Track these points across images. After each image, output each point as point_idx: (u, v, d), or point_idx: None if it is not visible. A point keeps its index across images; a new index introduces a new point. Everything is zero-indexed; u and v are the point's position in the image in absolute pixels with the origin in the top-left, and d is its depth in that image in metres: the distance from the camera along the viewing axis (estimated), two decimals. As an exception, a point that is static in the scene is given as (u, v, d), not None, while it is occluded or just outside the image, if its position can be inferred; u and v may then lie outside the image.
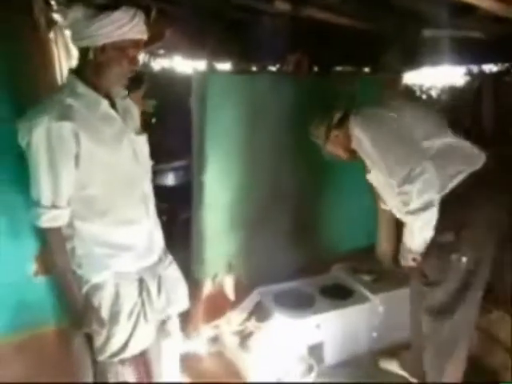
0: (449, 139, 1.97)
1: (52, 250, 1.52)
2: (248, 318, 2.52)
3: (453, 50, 2.61)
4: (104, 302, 1.57)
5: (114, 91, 1.61)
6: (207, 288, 2.64)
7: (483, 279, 1.95)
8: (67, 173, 1.45)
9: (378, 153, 1.91)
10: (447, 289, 1.94)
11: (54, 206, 1.46)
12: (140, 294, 1.63)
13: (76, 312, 1.56)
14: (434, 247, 1.93)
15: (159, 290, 1.70)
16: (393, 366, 2.44)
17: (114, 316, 1.58)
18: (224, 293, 2.69)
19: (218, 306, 2.65)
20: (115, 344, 1.60)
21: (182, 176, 3.86)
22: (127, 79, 1.56)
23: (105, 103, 1.54)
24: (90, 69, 1.51)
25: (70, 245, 1.55)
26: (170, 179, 3.92)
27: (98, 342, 1.61)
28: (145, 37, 1.53)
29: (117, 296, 1.58)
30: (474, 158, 1.95)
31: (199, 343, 2.60)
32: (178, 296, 1.81)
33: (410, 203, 1.82)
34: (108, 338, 1.59)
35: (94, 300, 1.57)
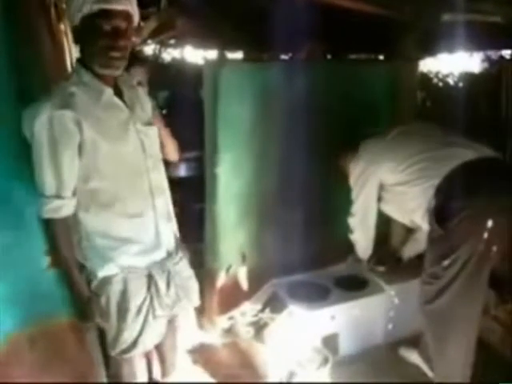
0: (434, 152, 2.11)
1: (56, 240, 1.49)
2: (262, 310, 2.51)
3: (471, 36, 2.54)
4: (112, 297, 1.54)
5: (118, 78, 1.55)
6: (221, 279, 2.64)
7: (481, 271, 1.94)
8: (70, 162, 1.42)
9: (354, 190, 2.45)
10: (443, 281, 1.97)
11: (58, 196, 1.43)
12: (148, 289, 1.59)
13: (80, 304, 1.54)
14: (433, 243, 2.04)
15: (168, 286, 1.65)
16: (410, 355, 2.42)
17: (123, 312, 1.55)
18: (238, 284, 2.68)
19: (232, 298, 2.64)
20: (125, 341, 1.58)
21: (194, 167, 3.84)
22: (115, 60, 1.44)
23: (108, 92, 1.50)
24: (85, 55, 1.49)
25: (76, 236, 1.53)
26: (182, 170, 3.90)
27: (110, 336, 1.60)
28: (113, 7, 1.39)
29: (125, 292, 1.54)
30: (474, 150, 2.02)
31: (213, 334, 2.60)
32: (188, 293, 1.77)
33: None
34: (117, 335, 1.57)
35: (103, 295, 1.54)
